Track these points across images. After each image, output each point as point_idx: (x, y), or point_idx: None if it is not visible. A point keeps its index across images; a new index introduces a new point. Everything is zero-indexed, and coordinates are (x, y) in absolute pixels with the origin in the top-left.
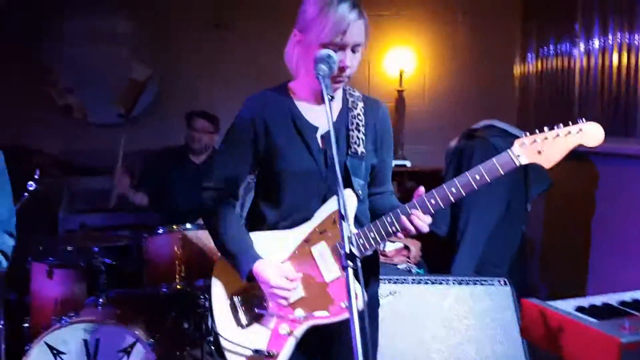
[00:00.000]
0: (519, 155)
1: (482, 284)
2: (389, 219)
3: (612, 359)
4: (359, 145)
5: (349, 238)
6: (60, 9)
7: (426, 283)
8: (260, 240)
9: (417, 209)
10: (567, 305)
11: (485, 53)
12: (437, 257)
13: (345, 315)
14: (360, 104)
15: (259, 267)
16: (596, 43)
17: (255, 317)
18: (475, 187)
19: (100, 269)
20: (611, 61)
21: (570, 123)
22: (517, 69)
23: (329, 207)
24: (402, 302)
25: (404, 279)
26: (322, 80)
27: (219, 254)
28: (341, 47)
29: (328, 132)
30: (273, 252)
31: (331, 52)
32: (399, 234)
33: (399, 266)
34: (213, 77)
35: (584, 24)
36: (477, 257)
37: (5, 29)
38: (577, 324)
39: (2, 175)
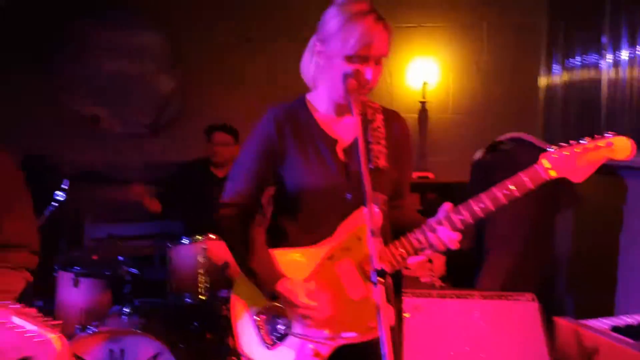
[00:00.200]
0: (549, 169)
1: (508, 299)
2: (416, 235)
3: None
4: (380, 159)
5: (377, 254)
6: (88, 24)
7: (451, 298)
8: (282, 257)
9: (445, 225)
10: (602, 325)
11: (510, 64)
12: (461, 271)
13: (374, 334)
14: (380, 116)
15: (282, 286)
16: (624, 54)
17: (280, 337)
18: (505, 202)
19: (125, 278)
20: None
21: (599, 136)
22: (542, 81)
23: (352, 222)
24: (425, 317)
25: (428, 293)
26: (352, 97)
27: (240, 271)
28: (364, 60)
29: (350, 146)
30: (296, 269)
31: (360, 68)
32: (427, 251)
33: (422, 280)
34: (236, 90)
35: (612, 35)
36: (503, 271)
37: (34, 43)
38: (614, 345)
39: (23, 197)
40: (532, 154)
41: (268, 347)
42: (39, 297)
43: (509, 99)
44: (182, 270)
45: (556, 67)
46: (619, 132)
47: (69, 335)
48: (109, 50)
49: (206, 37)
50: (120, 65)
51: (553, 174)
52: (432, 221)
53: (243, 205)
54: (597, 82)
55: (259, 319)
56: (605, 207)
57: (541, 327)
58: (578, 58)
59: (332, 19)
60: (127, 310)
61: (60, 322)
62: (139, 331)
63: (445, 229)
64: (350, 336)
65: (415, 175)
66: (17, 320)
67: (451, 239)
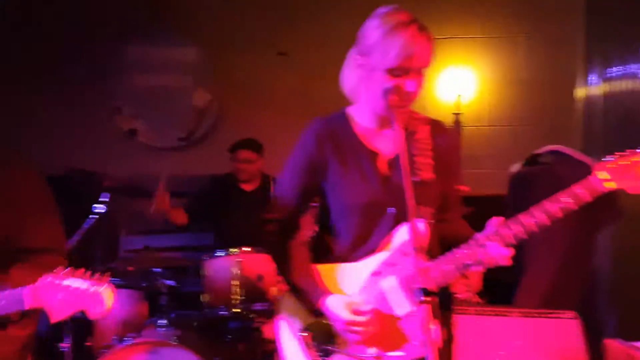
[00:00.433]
0: (605, 180)
1: (549, 317)
2: (465, 250)
3: None
4: (425, 171)
5: (423, 271)
6: (127, 39)
7: (488, 315)
8: (327, 272)
9: (495, 240)
10: None
11: (547, 75)
12: (499, 287)
13: (422, 354)
14: (425, 127)
15: (328, 303)
16: None
17: (326, 354)
18: (561, 216)
19: (161, 290)
20: None
21: None
22: (580, 92)
23: (398, 238)
24: (462, 335)
25: (464, 310)
26: (394, 113)
27: (285, 287)
28: (406, 71)
29: (392, 159)
30: (341, 285)
31: (401, 83)
32: (477, 267)
33: (458, 296)
34: (269, 103)
35: None
36: (541, 288)
37: (74, 56)
38: None
39: (50, 207)
40: (572, 167)
41: None
42: None
43: (546, 110)
44: (217, 283)
45: (594, 78)
46: None
47: (107, 347)
48: (147, 65)
49: (240, 51)
50: (157, 79)
51: (611, 185)
52: (480, 236)
53: (287, 221)
54: (637, 92)
55: (304, 335)
56: None
57: (583, 345)
58: (617, 68)
59: (372, 31)
60: (163, 322)
61: (108, 276)
62: (175, 343)
63: (495, 245)
64: (397, 355)
65: None
66: (68, 281)
67: (502, 255)
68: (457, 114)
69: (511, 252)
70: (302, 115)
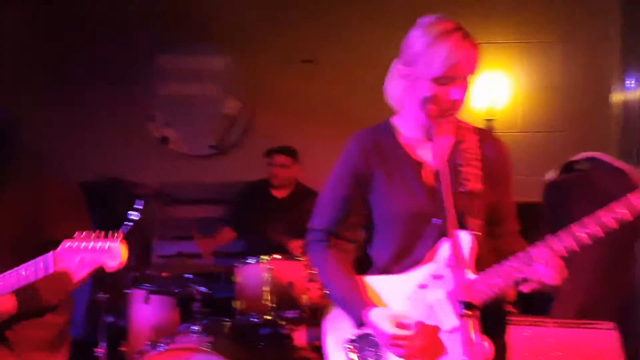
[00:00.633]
0: None
1: (586, 328)
2: (514, 263)
3: None
4: (472, 182)
5: (466, 284)
6: (159, 49)
7: (524, 325)
8: (372, 284)
9: (546, 251)
10: None
11: (582, 80)
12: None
13: None
14: (473, 137)
15: (372, 315)
16: None
17: None
18: (616, 227)
19: (194, 296)
20: None
21: None
22: (616, 97)
23: (444, 249)
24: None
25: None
26: (433, 122)
27: (317, 295)
28: (452, 80)
29: (438, 170)
30: (386, 298)
31: (438, 92)
32: (525, 283)
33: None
34: (297, 111)
35: None
36: (578, 298)
37: (109, 67)
38: None
39: (78, 203)
40: (610, 174)
41: None
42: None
43: (582, 116)
44: (248, 290)
45: (631, 83)
46: None
47: (140, 352)
48: (178, 74)
49: (269, 60)
50: (188, 88)
51: None
52: (532, 250)
53: (330, 232)
54: None
55: (350, 346)
56: None
57: (621, 356)
58: None
59: (416, 41)
60: (196, 328)
61: (120, 232)
62: (208, 349)
63: (542, 265)
64: None
65: None
66: (84, 243)
67: (548, 275)
68: (489, 120)
69: (561, 269)
70: (330, 122)
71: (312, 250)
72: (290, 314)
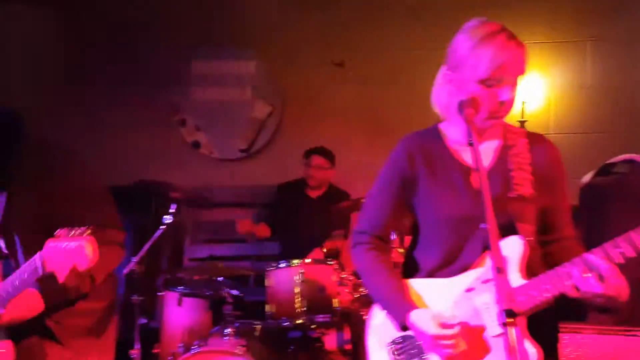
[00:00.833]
0: None
1: (626, 335)
2: (564, 269)
3: None
4: (523, 187)
5: (510, 291)
6: (190, 55)
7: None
8: (416, 288)
9: (602, 257)
10: None
11: (616, 80)
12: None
13: None
14: (523, 140)
15: (414, 317)
16: None
17: None
18: None
19: (226, 299)
20: None
21: None
22: None
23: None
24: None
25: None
26: (471, 126)
27: (374, 300)
28: (499, 81)
29: (487, 174)
30: (430, 301)
31: (476, 95)
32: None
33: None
34: (327, 114)
35: None
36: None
37: (142, 73)
38: None
39: (104, 196)
40: None
41: None
42: (144, 315)
43: (617, 116)
44: (280, 293)
45: None
46: None
47: (173, 354)
48: (209, 79)
49: (298, 63)
50: (218, 93)
51: None
52: (588, 256)
53: (375, 235)
54: None
55: (391, 348)
56: None
57: None
58: None
59: (461, 45)
60: (228, 330)
61: (88, 229)
62: (241, 353)
63: (593, 278)
64: None
65: None
66: (64, 243)
67: (597, 287)
68: (521, 122)
69: (611, 286)
70: (360, 124)
71: (357, 252)
72: (321, 317)
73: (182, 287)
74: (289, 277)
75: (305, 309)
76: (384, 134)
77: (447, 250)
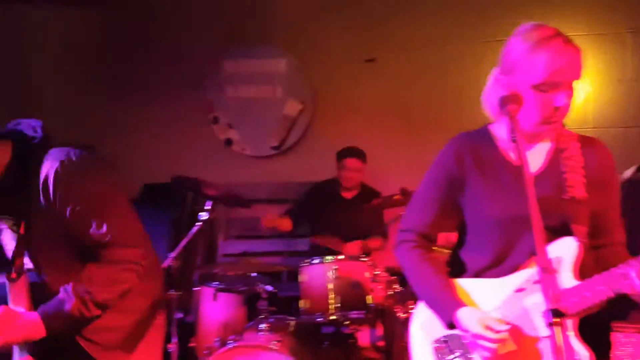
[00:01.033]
0: None
1: None
2: (620, 270)
3: None
4: (576, 189)
5: (561, 291)
6: (222, 54)
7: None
8: (464, 287)
9: None
10: None
11: None
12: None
13: None
14: (576, 144)
15: (461, 314)
16: None
17: None
18: None
19: (260, 295)
20: None
21: None
22: None
23: (545, 254)
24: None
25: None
26: (514, 122)
27: (419, 298)
28: (555, 86)
29: (536, 175)
30: (479, 300)
31: (540, 100)
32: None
33: None
34: (358, 110)
35: None
36: None
37: (175, 71)
38: None
39: (122, 206)
40: None
41: None
42: (181, 310)
43: None
44: (313, 290)
45: None
46: None
47: (209, 348)
48: (241, 77)
49: (329, 60)
50: (250, 90)
51: None
52: (634, 262)
53: (422, 233)
54: None
55: (437, 346)
56: None
57: None
58: None
59: (515, 48)
60: (263, 326)
61: None
62: (277, 349)
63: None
64: None
65: None
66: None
67: None
68: None
69: None
70: (391, 121)
71: (401, 250)
72: (354, 314)
73: (217, 283)
74: (322, 273)
75: (339, 305)
76: (416, 130)
77: (497, 251)
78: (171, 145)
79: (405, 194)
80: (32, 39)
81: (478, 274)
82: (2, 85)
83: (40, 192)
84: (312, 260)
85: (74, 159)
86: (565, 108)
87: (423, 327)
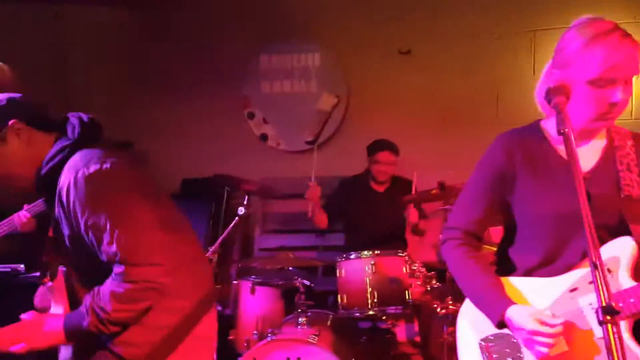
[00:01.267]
0: None
1: None
2: None
3: None
4: (632, 187)
5: (617, 292)
6: (257, 48)
7: None
8: (514, 286)
9: None
10: None
11: None
12: None
13: None
14: (629, 142)
15: (512, 312)
16: None
17: None
18: None
19: (298, 289)
20: None
21: None
22: None
23: (602, 254)
24: None
25: None
26: (562, 114)
27: (467, 297)
28: (612, 82)
29: (590, 172)
30: (530, 299)
31: (566, 84)
32: None
33: None
34: (393, 104)
35: None
36: None
37: (212, 67)
38: None
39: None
40: None
41: None
42: (219, 303)
43: None
44: (350, 284)
45: None
46: None
47: (248, 341)
48: (275, 72)
49: (363, 53)
50: (285, 85)
51: None
52: None
53: (469, 231)
54: None
55: (485, 345)
56: None
57: None
58: None
59: (571, 43)
60: (301, 319)
61: None
62: (315, 343)
63: None
64: None
65: None
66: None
67: None
68: None
69: None
70: (427, 114)
71: (447, 248)
72: (392, 309)
73: (254, 276)
74: (359, 268)
75: (376, 300)
76: (453, 124)
77: (548, 249)
78: (208, 140)
79: (443, 187)
80: (71, 39)
81: (528, 273)
82: (40, 84)
83: (57, 201)
84: (349, 255)
85: (90, 171)
86: (623, 104)
87: (470, 325)
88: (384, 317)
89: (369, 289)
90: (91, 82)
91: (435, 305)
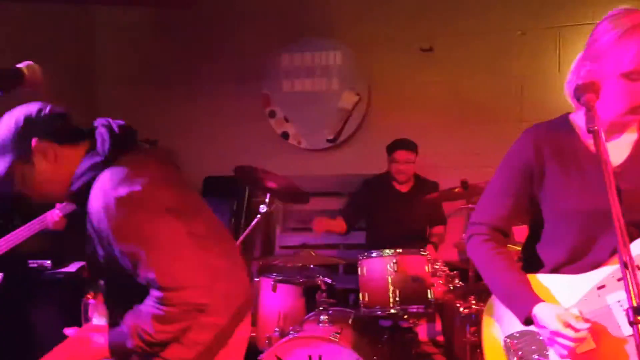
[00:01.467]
0: None
1: None
2: None
3: None
4: None
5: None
6: (280, 48)
7: None
8: (541, 282)
9: None
10: None
11: None
12: None
13: None
14: None
15: (538, 310)
16: None
17: None
18: None
19: (320, 287)
20: None
21: None
22: None
23: (632, 251)
24: None
25: None
26: (592, 112)
27: (493, 293)
28: None
29: (620, 167)
30: (557, 296)
31: (596, 81)
32: None
33: None
34: (415, 102)
35: None
36: None
37: (233, 66)
38: None
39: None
40: None
41: None
42: None
43: None
44: (372, 283)
45: None
46: None
47: (269, 338)
48: (297, 70)
49: (385, 50)
50: (306, 84)
51: None
52: None
53: (495, 226)
54: None
55: (510, 342)
56: None
57: None
58: None
59: (604, 35)
60: (323, 317)
61: None
62: (337, 340)
63: None
64: None
65: None
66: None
67: None
68: None
69: None
70: (449, 112)
71: (473, 244)
72: (414, 308)
73: (275, 274)
74: (381, 267)
75: (398, 299)
76: (475, 121)
77: (576, 246)
78: (230, 138)
79: (466, 186)
80: (98, 38)
81: (555, 270)
82: (68, 83)
83: (88, 222)
84: (371, 253)
85: (120, 194)
86: None
87: (495, 322)
88: (405, 316)
89: (391, 288)
90: (119, 80)
91: (458, 305)
